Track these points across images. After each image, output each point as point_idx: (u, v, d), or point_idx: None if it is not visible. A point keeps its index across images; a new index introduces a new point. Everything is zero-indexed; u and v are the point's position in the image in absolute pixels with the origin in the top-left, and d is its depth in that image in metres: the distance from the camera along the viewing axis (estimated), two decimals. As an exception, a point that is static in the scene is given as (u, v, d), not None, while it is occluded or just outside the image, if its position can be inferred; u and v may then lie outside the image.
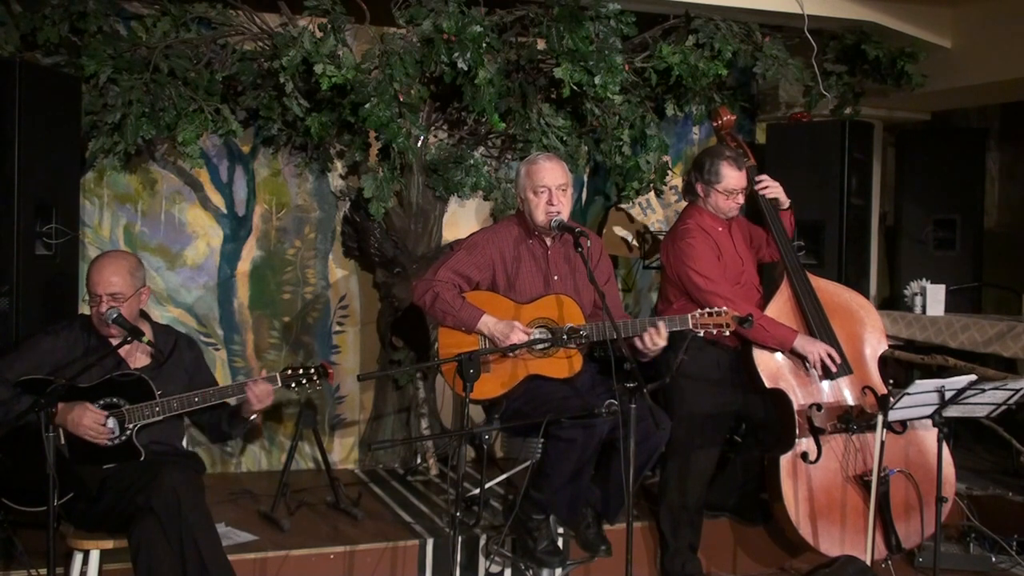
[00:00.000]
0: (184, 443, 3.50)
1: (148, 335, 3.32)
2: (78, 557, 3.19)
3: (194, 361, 3.47)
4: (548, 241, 3.73)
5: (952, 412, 3.55)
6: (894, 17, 4.97)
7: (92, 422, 3.14)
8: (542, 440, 3.50)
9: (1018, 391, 3.49)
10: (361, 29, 4.47)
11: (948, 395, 3.45)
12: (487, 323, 3.55)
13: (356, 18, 4.34)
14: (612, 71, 4.33)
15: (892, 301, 5.59)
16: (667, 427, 3.54)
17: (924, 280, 5.16)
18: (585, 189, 5.37)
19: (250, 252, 4.84)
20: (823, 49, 5.08)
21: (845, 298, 4.07)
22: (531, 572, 3.80)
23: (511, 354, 3.55)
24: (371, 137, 4.46)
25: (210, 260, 4.77)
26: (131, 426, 3.20)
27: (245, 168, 4.81)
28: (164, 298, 4.66)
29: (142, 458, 3.21)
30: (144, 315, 3.43)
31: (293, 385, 3.38)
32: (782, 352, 3.87)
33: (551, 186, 3.60)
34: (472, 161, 4.71)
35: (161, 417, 3.24)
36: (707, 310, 3.48)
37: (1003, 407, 3.57)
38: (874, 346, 4.01)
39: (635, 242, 5.47)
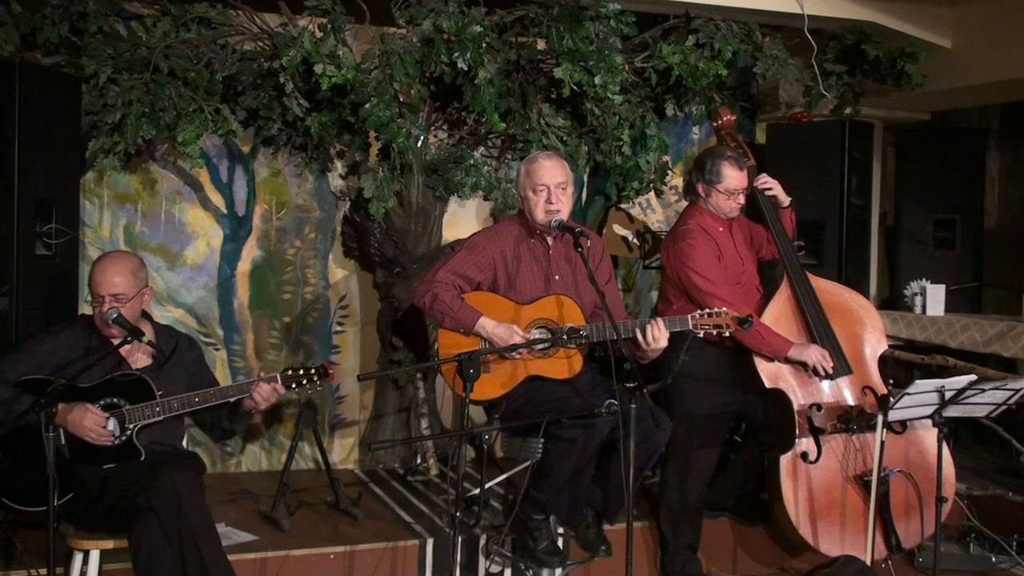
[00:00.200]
0: (184, 443, 3.50)
1: (149, 336, 3.32)
2: (78, 557, 3.19)
3: (195, 362, 3.48)
4: (549, 241, 3.73)
5: (952, 412, 3.55)
6: (894, 17, 4.97)
7: (93, 423, 3.14)
8: (542, 440, 3.50)
9: (1018, 391, 3.49)
10: (361, 29, 4.47)
11: (948, 395, 3.45)
12: (485, 325, 3.55)
13: (356, 18, 4.34)
14: (612, 71, 4.33)
15: (892, 301, 5.59)
16: (667, 427, 3.54)
17: (924, 280, 5.16)
18: (585, 189, 5.37)
19: (250, 252, 4.84)
20: (823, 49, 5.08)
21: (845, 298, 4.07)
22: (531, 572, 3.80)
23: (511, 355, 3.55)
24: (371, 137, 4.46)
25: (210, 260, 4.77)
26: (131, 426, 3.20)
27: (245, 168, 4.81)
28: (164, 298, 4.66)
29: (142, 458, 3.21)
30: (146, 316, 3.43)
31: (293, 386, 3.38)
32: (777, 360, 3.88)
33: (550, 184, 3.60)
34: (472, 161, 4.71)
35: (162, 417, 3.24)
36: (707, 311, 3.48)
37: (1003, 407, 3.57)
38: (874, 346, 4.01)
39: (635, 241, 5.47)
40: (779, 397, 3.90)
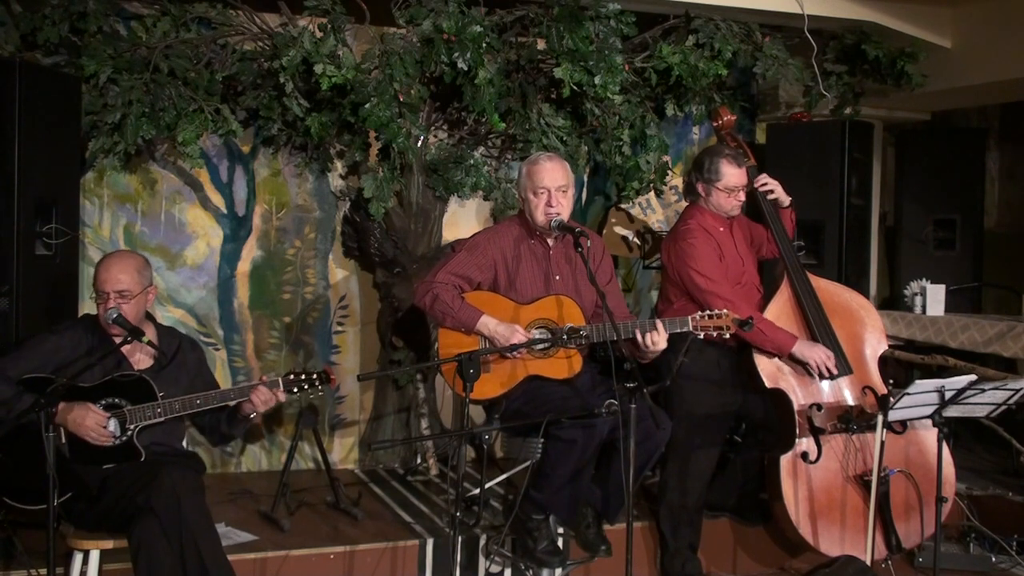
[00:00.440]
0: (184, 443, 3.50)
1: (152, 337, 3.32)
2: (78, 557, 3.19)
3: (196, 363, 3.48)
4: (549, 241, 3.73)
5: (952, 412, 3.55)
6: (894, 17, 4.97)
7: (94, 423, 3.14)
8: (542, 440, 3.50)
9: (1018, 391, 3.49)
10: (361, 29, 4.47)
11: (948, 395, 3.45)
12: (487, 324, 3.55)
13: (356, 18, 4.34)
14: (612, 71, 4.33)
15: (892, 301, 5.59)
16: (667, 427, 3.54)
17: (924, 280, 5.16)
18: (585, 189, 5.37)
19: (250, 252, 4.84)
20: (823, 49, 5.08)
21: (845, 298, 4.07)
22: (531, 572, 3.80)
23: (511, 354, 3.55)
24: (371, 137, 4.46)
25: (210, 260, 4.77)
26: (132, 427, 3.20)
27: (245, 168, 4.81)
28: (164, 298, 4.66)
29: (143, 459, 3.21)
30: (150, 317, 3.43)
31: (295, 390, 3.38)
32: (780, 357, 3.87)
33: (551, 187, 3.60)
34: (472, 161, 4.71)
35: (163, 418, 3.24)
36: (707, 312, 3.48)
37: (1003, 407, 3.57)
38: (874, 346, 4.01)
39: (635, 241, 5.47)
40: (779, 397, 3.90)
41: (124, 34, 4.37)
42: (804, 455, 3.85)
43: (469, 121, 4.88)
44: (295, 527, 3.92)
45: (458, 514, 3.17)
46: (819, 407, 3.83)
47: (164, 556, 2.98)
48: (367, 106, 4.06)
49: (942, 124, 6.10)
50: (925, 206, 5.50)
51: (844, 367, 3.89)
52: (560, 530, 3.80)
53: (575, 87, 4.36)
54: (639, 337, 3.43)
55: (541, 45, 4.59)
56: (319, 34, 4.09)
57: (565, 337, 3.51)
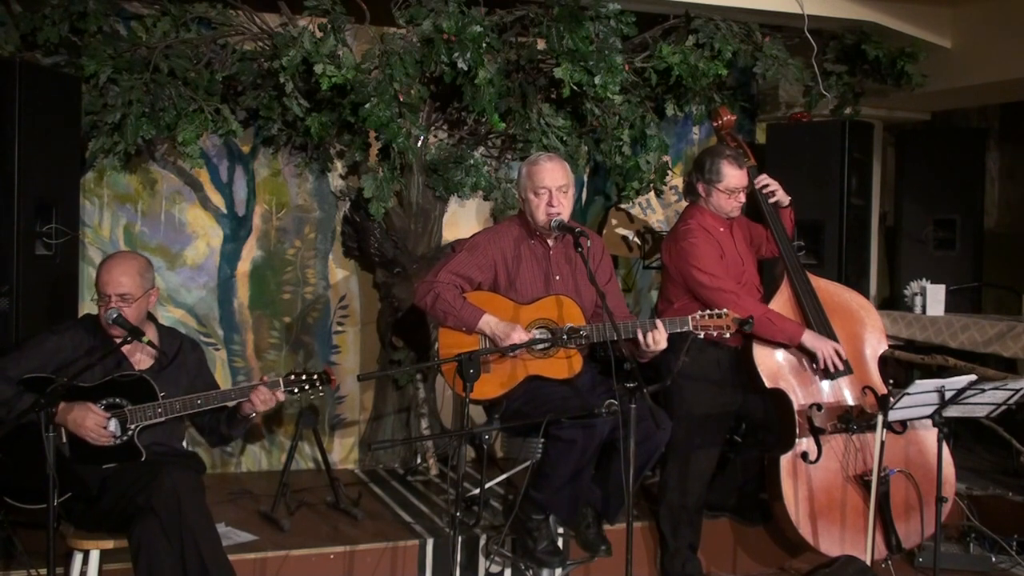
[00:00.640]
0: (184, 443, 3.50)
1: (152, 337, 3.32)
2: (78, 557, 3.19)
3: (197, 364, 3.47)
4: (549, 241, 3.73)
5: (952, 412, 3.55)
6: (894, 17, 4.97)
7: (95, 424, 3.13)
8: (542, 440, 3.50)
9: (1018, 391, 3.49)
10: (361, 29, 4.47)
11: (948, 395, 3.45)
12: (489, 322, 3.55)
13: (356, 18, 4.34)
14: (612, 71, 4.33)
15: (892, 301, 5.59)
16: (667, 427, 3.54)
17: (924, 280, 5.16)
18: (585, 189, 5.37)
19: (250, 252, 4.84)
20: (823, 49, 5.08)
21: (845, 298, 4.07)
22: (531, 572, 3.80)
23: (511, 354, 3.55)
24: (371, 137, 4.46)
25: (210, 260, 4.78)
26: (133, 426, 3.20)
27: (245, 168, 4.81)
28: (164, 298, 4.66)
29: (143, 459, 3.21)
30: (151, 317, 3.43)
31: (296, 391, 3.38)
32: (789, 347, 3.86)
33: (551, 187, 3.60)
34: (472, 161, 4.71)
35: (163, 418, 3.23)
36: (707, 312, 3.48)
37: (1003, 407, 3.57)
38: (874, 346, 4.01)
39: (635, 241, 5.47)
40: (779, 397, 3.90)
41: (124, 34, 4.37)
42: (804, 455, 3.85)
43: (469, 121, 4.88)
44: (295, 527, 3.92)
45: (458, 514, 3.17)
46: (819, 407, 3.83)
47: (164, 556, 2.98)
48: (367, 106, 4.07)
49: (942, 124, 6.10)
50: (925, 206, 5.50)
51: (844, 367, 3.89)
52: (560, 530, 3.80)
53: (575, 87, 4.36)
54: (640, 337, 3.43)
55: (541, 45, 4.59)
56: (319, 34, 4.09)
57: (565, 337, 3.51)
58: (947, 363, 4.63)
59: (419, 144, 4.62)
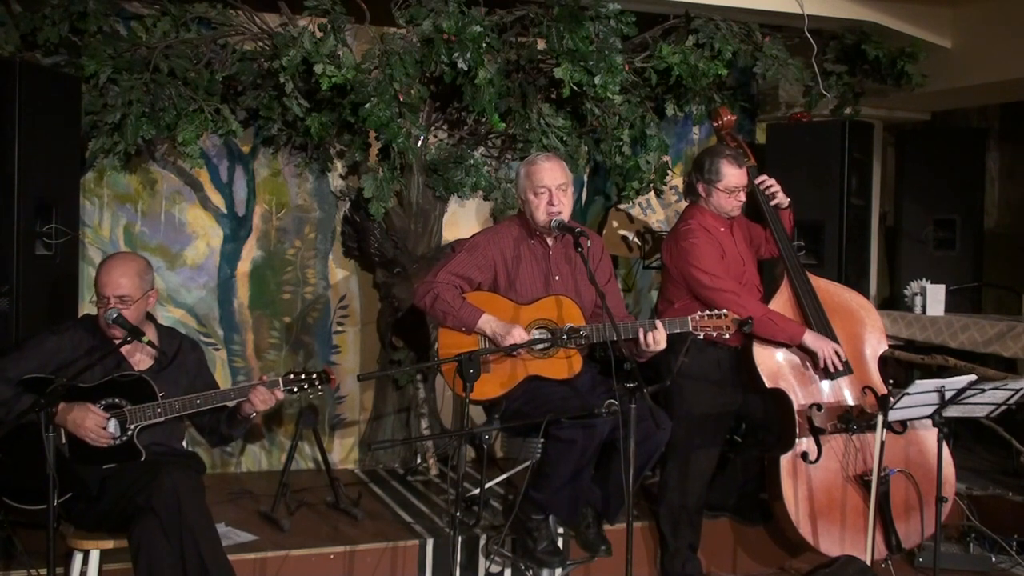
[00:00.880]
0: (184, 443, 3.50)
1: (152, 338, 3.32)
2: (78, 557, 3.19)
3: (196, 364, 3.47)
4: (549, 241, 3.73)
5: (952, 412, 3.55)
6: (894, 17, 4.97)
7: (94, 424, 3.13)
8: (542, 440, 3.50)
9: (1018, 391, 3.49)
10: (361, 29, 4.47)
11: (948, 395, 3.45)
12: (488, 322, 3.55)
13: (356, 18, 4.34)
14: (612, 71, 4.33)
15: (892, 301, 5.59)
16: (667, 427, 3.54)
17: (924, 280, 5.16)
18: (585, 189, 5.37)
19: (250, 252, 4.84)
20: (823, 49, 5.08)
21: (845, 298, 4.07)
22: (531, 572, 3.80)
23: (511, 354, 3.55)
24: (371, 137, 4.46)
25: (210, 260, 4.77)
26: (132, 427, 3.20)
27: (245, 168, 4.81)
28: (164, 298, 4.66)
29: (143, 459, 3.21)
30: (150, 318, 3.43)
31: (295, 390, 3.38)
32: (790, 347, 3.86)
33: (551, 186, 3.60)
34: (472, 161, 4.71)
35: (163, 418, 3.23)
36: (707, 312, 3.48)
37: (1003, 407, 3.57)
38: (874, 346, 4.01)
39: (635, 241, 5.47)
40: (779, 397, 3.90)
41: (124, 34, 4.37)
42: (804, 455, 3.85)
43: (469, 121, 4.88)
44: (295, 527, 3.92)
45: (458, 514, 3.17)
46: (819, 407, 3.83)
47: (164, 556, 2.98)
48: (367, 106, 4.07)
49: (942, 124, 6.10)
50: (925, 206, 5.50)
51: (845, 367, 3.89)
52: (560, 530, 3.80)
53: (575, 87, 4.36)
54: (640, 336, 3.43)
55: (541, 45, 4.59)
56: (319, 34, 4.09)
57: (565, 337, 3.51)
58: (947, 363, 4.63)
59: (419, 144, 4.62)
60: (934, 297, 5.08)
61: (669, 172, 5.02)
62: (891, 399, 3.45)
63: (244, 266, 4.83)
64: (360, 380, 4.90)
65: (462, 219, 5.06)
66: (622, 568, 3.15)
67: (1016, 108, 5.78)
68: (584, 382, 3.65)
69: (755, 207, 4.13)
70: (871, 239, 5.59)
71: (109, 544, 3.14)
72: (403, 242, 4.74)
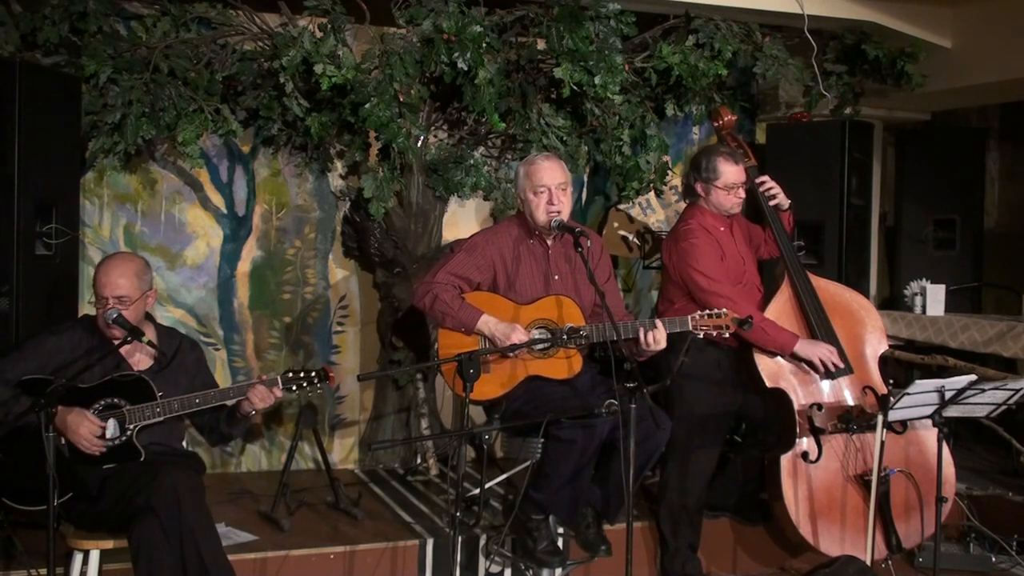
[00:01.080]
0: (184, 443, 3.50)
1: (151, 337, 3.32)
2: (78, 557, 3.19)
3: (196, 364, 3.47)
4: (549, 241, 3.73)
5: (952, 412, 3.55)
6: (894, 17, 4.97)
7: (88, 432, 3.12)
8: (542, 440, 3.50)
9: (1018, 391, 3.49)
10: (361, 29, 4.47)
11: (948, 395, 3.45)
12: (487, 323, 3.55)
13: (356, 18, 4.34)
14: (612, 71, 4.33)
15: (892, 301, 5.59)
16: (667, 427, 3.54)
17: (924, 280, 5.16)
18: (585, 189, 5.37)
19: (250, 252, 4.84)
20: (823, 49, 5.08)
21: (846, 298, 4.07)
22: (531, 572, 3.80)
23: (511, 355, 3.55)
24: (371, 137, 4.46)
25: (210, 260, 4.77)
26: (132, 427, 3.20)
27: (245, 168, 4.81)
28: (164, 298, 4.66)
29: (142, 459, 3.21)
30: (149, 318, 3.43)
31: (293, 388, 3.37)
32: (783, 356, 3.87)
33: (551, 186, 3.60)
34: (472, 161, 4.71)
35: (162, 418, 3.23)
36: (707, 312, 3.48)
37: (1003, 407, 3.57)
38: (874, 346, 4.01)
39: (635, 241, 5.47)
40: (780, 397, 3.90)
41: (124, 34, 4.37)
42: (804, 455, 3.85)
43: (469, 121, 4.88)
44: (295, 527, 3.92)
45: (458, 514, 3.17)
46: (819, 407, 3.83)
47: (164, 556, 2.98)
48: (367, 106, 4.06)
49: (942, 124, 6.10)
50: (925, 206, 5.50)
51: (845, 367, 3.89)
52: (560, 530, 3.79)
53: (575, 87, 4.36)
54: (640, 336, 3.43)
55: (541, 45, 4.59)
56: (319, 34, 4.09)
57: (565, 337, 3.51)
58: (947, 363, 4.63)
59: (419, 144, 4.62)
60: (934, 297, 5.08)
61: (669, 172, 5.02)
62: (891, 399, 3.45)
63: (244, 266, 4.83)
64: (360, 380, 4.90)
65: (462, 219, 5.06)
66: (622, 568, 3.15)
67: (1016, 108, 5.78)
68: (584, 382, 3.64)
69: (755, 207, 4.13)
70: (871, 239, 5.59)
71: (109, 544, 3.14)
72: (403, 242, 4.74)
